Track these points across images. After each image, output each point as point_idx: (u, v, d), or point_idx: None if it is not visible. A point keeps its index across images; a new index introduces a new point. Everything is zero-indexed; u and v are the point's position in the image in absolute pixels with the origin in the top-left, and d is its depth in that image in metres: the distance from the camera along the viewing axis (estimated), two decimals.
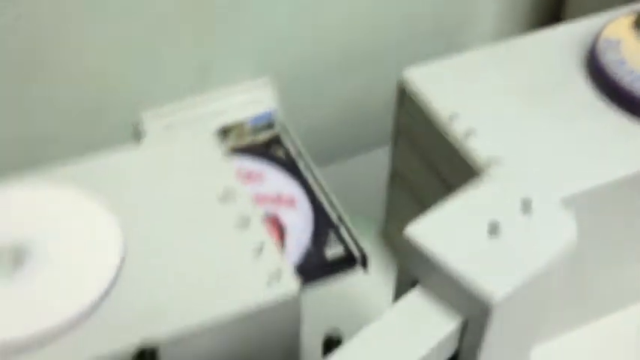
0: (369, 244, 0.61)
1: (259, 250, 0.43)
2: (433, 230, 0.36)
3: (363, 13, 0.72)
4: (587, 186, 0.45)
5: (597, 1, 0.74)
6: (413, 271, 0.37)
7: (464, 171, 0.47)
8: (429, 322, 0.35)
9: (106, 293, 0.41)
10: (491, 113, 0.50)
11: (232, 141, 0.73)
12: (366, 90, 0.78)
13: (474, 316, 0.35)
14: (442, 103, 0.50)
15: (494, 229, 0.36)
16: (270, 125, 0.74)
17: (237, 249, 0.44)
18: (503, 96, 0.51)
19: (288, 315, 0.42)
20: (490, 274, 0.34)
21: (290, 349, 0.44)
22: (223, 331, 0.41)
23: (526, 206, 0.36)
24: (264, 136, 0.74)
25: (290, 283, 0.42)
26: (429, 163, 0.52)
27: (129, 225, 0.43)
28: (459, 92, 0.51)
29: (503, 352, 0.39)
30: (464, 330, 0.36)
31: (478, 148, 0.47)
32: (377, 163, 0.67)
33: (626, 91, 0.49)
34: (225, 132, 0.72)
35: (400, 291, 0.38)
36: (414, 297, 0.36)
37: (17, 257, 0.42)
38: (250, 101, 0.73)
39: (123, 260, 0.42)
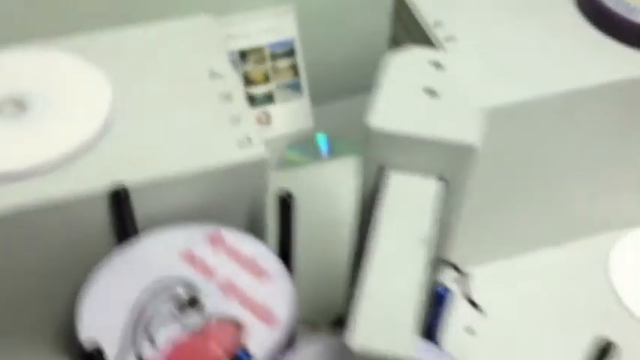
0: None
1: (237, 120, 0.47)
2: (389, 113, 0.39)
3: None
4: (543, 92, 0.48)
5: None
6: (381, 158, 0.40)
7: None
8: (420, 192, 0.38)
9: (93, 139, 0.45)
10: (474, 24, 0.52)
11: (251, 64, 0.77)
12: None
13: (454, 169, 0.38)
14: (429, 12, 0.53)
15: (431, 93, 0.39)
16: (289, 53, 0.78)
17: (216, 117, 0.47)
18: (490, 11, 0.54)
19: (254, 178, 0.46)
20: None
21: (255, 213, 0.48)
22: (193, 184, 0.45)
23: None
24: (282, 64, 0.78)
25: (259, 148, 0.46)
26: None
27: (121, 87, 0.48)
28: (447, 3, 0.54)
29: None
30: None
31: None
32: None
33: (608, 12, 0.51)
34: (244, 54, 0.76)
35: (367, 179, 0.41)
36: (395, 179, 0.39)
37: (20, 104, 0.47)
38: (271, 28, 0.77)
39: (110, 113, 0.46)
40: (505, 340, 0.53)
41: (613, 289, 0.55)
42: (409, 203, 0.38)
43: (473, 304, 0.44)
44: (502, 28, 0.52)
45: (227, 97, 0.49)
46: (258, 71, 0.78)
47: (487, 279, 0.53)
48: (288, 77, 0.78)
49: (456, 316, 0.43)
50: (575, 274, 0.57)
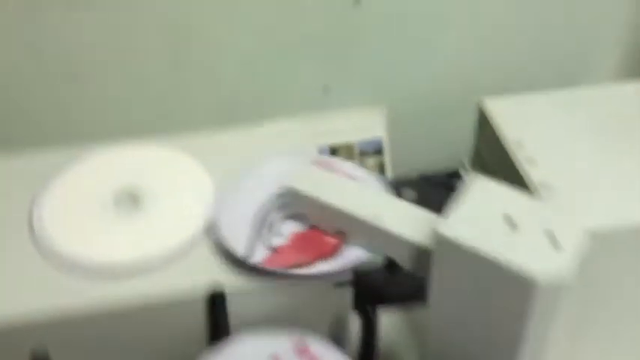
0: None
1: None
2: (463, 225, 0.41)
3: (481, 52, 0.77)
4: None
5: None
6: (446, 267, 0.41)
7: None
8: None
9: (195, 238, 0.48)
10: (556, 145, 0.53)
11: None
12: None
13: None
14: (511, 130, 0.55)
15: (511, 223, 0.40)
16: (377, 151, 0.81)
17: None
18: (574, 135, 0.55)
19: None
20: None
21: (339, 322, 0.49)
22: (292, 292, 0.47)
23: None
24: (370, 161, 0.81)
25: None
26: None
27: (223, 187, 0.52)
28: (530, 124, 0.55)
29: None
30: None
31: (535, 174, 0.51)
32: None
33: None
34: (334, 150, 0.80)
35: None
36: None
37: (135, 198, 0.51)
38: (362, 126, 0.80)
39: (213, 213, 0.50)
40: None
41: None
42: None
43: None
44: (584, 150, 0.53)
45: None
46: None
47: None
48: None
49: None
50: None
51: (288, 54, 0.73)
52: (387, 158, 0.81)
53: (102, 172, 0.52)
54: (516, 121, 0.56)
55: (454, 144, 0.82)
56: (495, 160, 0.56)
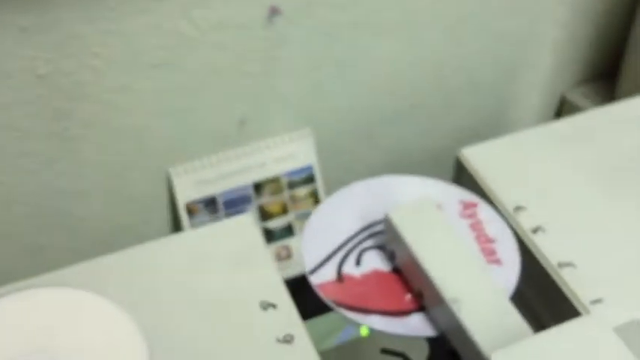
0: None
1: None
2: None
3: (412, 66, 0.67)
4: None
5: None
6: None
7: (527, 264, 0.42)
8: None
9: None
10: (560, 205, 0.45)
11: (267, 197, 0.68)
12: (413, 142, 0.74)
13: None
14: (506, 192, 0.45)
15: None
16: (308, 180, 0.70)
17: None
18: (570, 180, 0.46)
19: None
20: None
21: None
22: None
23: None
24: (301, 192, 0.69)
25: None
26: None
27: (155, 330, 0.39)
28: (523, 178, 0.46)
29: None
30: None
31: (548, 249, 0.42)
32: None
33: None
34: (258, 187, 0.68)
35: None
36: None
37: None
38: (287, 155, 0.69)
39: None
40: None
41: None
42: None
43: None
44: (590, 206, 0.45)
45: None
46: (275, 203, 0.69)
47: None
48: (307, 206, 0.70)
49: None
50: None
51: (194, 91, 0.59)
52: (320, 186, 0.70)
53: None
54: (497, 168, 0.47)
55: (397, 152, 0.72)
56: None
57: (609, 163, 0.48)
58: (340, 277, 0.41)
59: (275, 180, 0.68)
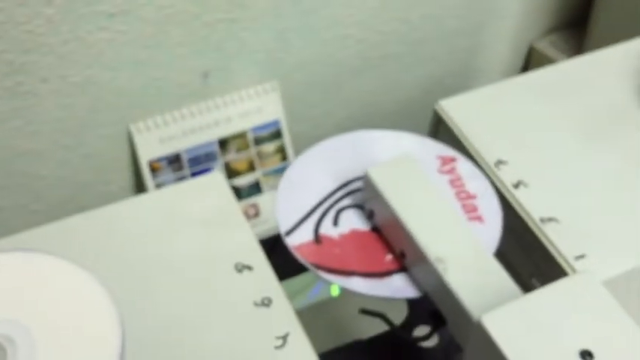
0: None
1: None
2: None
3: (379, 13, 0.65)
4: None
5: (630, 3, 0.68)
6: None
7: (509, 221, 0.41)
8: None
9: None
10: (541, 158, 0.44)
11: (233, 154, 0.66)
12: (382, 94, 0.72)
13: None
14: (486, 146, 0.44)
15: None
16: (275, 135, 0.67)
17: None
18: (550, 133, 0.45)
19: None
20: None
21: None
22: None
23: None
24: (268, 148, 0.67)
25: None
26: None
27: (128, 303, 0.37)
28: (503, 132, 0.45)
29: None
30: None
31: (530, 204, 0.41)
32: None
33: None
34: (224, 143, 0.65)
35: None
36: None
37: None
38: (254, 109, 0.66)
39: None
40: None
41: None
42: None
43: None
44: (571, 160, 0.44)
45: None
46: (242, 160, 0.67)
47: None
48: (275, 162, 0.68)
49: None
50: None
51: (154, 42, 0.56)
52: (287, 142, 0.68)
53: None
54: (477, 121, 0.45)
55: (364, 102, 0.70)
56: None
57: (586, 114, 0.46)
58: (318, 239, 0.39)
59: (241, 136, 0.66)
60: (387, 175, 0.38)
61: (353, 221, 0.40)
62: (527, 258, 0.42)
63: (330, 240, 0.39)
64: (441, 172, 0.42)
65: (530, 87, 0.48)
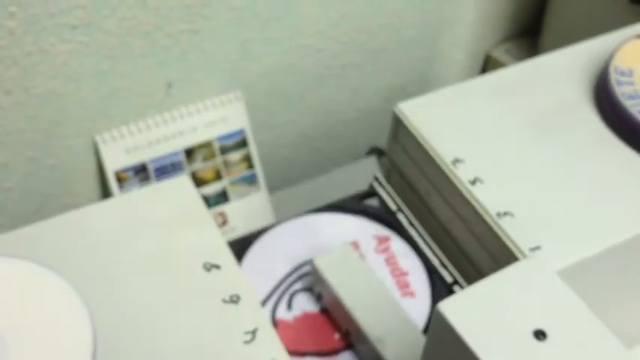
0: None
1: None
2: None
3: (338, 23, 0.67)
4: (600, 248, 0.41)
5: (580, 11, 0.71)
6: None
7: (467, 216, 0.43)
8: None
9: None
10: (495, 156, 0.45)
11: (199, 163, 0.67)
12: (344, 102, 0.73)
13: None
14: (444, 146, 0.45)
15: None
16: (241, 144, 0.68)
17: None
18: (503, 132, 0.47)
19: None
20: None
21: None
22: None
23: None
24: (234, 157, 0.68)
25: None
26: (424, 201, 0.48)
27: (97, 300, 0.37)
28: (459, 132, 0.46)
29: None
30: None
31: (487, 199, 0.43)
32: (354, 177, 0.62)
33: None
34: (190, 152, 0.66)
35: None
36: None
37: None
38: (219, 119, 0.67)
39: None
40: None
41: None
42: None
43: None
44: (525, 157, 0.45)
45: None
46: (208, 169, 0.68)
47: None
48: (241, 171, 0.69)
49: None
50: None
51: (116, 53, 0.57)
52: (253, 150, 0.69)
53: None
54: (434, 122, 0.47)
55: (327, 111, 0.72)
56: (415, 166, 0.47)
57: (538, 113, 0.48)
58: (275, 324, 0.45)
59: (207, 145, 0.67)
60: (330, 264, 0.45)
61: (304, 304, 0.47)
62: (486, 251, 0.43)
63: (285, 324, 0.45)
64: (377, 251, 0.49)
65: (484, 88, 0.50)
